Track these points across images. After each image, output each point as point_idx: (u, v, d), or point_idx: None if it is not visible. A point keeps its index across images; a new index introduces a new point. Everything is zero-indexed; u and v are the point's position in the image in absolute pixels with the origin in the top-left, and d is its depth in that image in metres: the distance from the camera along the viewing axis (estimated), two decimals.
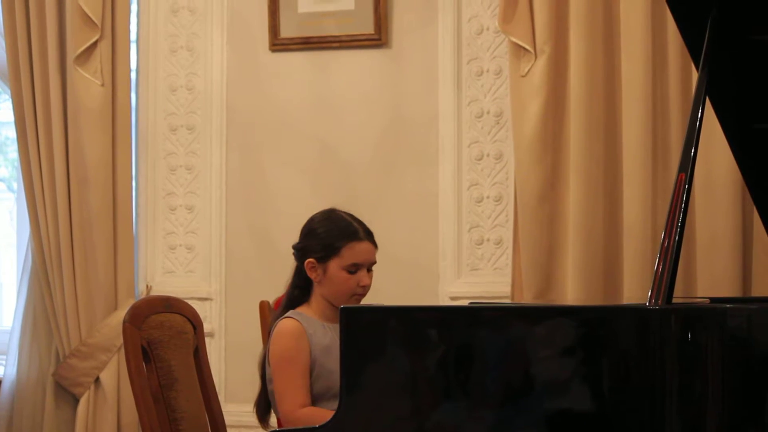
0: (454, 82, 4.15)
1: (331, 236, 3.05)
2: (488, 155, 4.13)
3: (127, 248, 4.29)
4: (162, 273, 4.44)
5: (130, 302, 4.10)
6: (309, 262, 3.06)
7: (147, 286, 4.41)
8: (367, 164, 4.25)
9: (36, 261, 4.34)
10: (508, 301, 3.95)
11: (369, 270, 3.08)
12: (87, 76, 4.22)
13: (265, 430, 3.18)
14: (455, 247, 4.14)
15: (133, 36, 4.41)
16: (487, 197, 4.13)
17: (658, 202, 3.75)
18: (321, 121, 4.30)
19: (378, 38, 4.22)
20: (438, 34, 4.18)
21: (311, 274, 3.07)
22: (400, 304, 2.50)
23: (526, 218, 3.88)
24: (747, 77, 2.68)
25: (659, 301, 2.26)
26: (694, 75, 3.28)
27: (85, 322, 4.26)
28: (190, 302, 3.42)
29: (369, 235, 3.08)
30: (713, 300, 2.86)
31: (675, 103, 3.77)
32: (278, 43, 4.32)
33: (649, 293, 2.29)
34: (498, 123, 4.12)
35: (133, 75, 4.39)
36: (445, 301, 4.11)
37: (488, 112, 4.13)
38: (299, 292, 3.12)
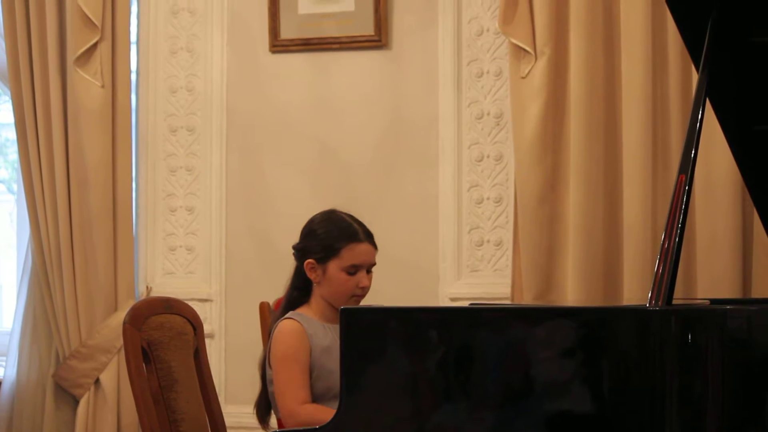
0: (454, 84, 4.15)
1: (330, 237, 3.05)
2: (488, 156, 4.13)
3: (127, 249, 4.29)
4: (162, 274, 4.44)
5: (130, 303, 4.09)
6: (309, 262, 3.06)
7: (147, 287, 4.41)
8: (367, 165, 4.25)
9: (36, 262, 4.34)
10: (508, 302, 3.95)
11: (368, 271, 3.08)
12: (87, 77, 4.22)
13: (266, 431, 3.18)
14: (455, 248, 4.14)
15: (133, 37, 4.41)
16: (487, 198, 4.13)
17: (658, 203, 3.75)
18: (321, 122, 4.30)
19: (378, 40, 4.22)
20: (438, 36, 4.18)
21: (311, 275, 3.07)
22: (400, 305, 2.49)
23: (526, 219, 3.88)
24: (747, 79, 2.68)
25: (659, 303, 2.26)
26: (694, 76, 3.29)
27: (85, 324, 4.26)
28: (190, 303, 3.42)
29: (369, 237, 3.08)
30: (713, 301, 2.87)
31: (675, 104, 3.77)
32: (278, 45, 4.32)
33: (649, 294, 2.29)
34: (498, 124, 4.12)
35: (133, 76, 4.39)
36: (445, 303, 4.11)
37: (488, 114, 4.13)
38: (299, 293, 3.12)
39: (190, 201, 4.42)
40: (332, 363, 2.91)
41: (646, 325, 2.24)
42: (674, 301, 2.30)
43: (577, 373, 2.26)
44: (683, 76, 3.76)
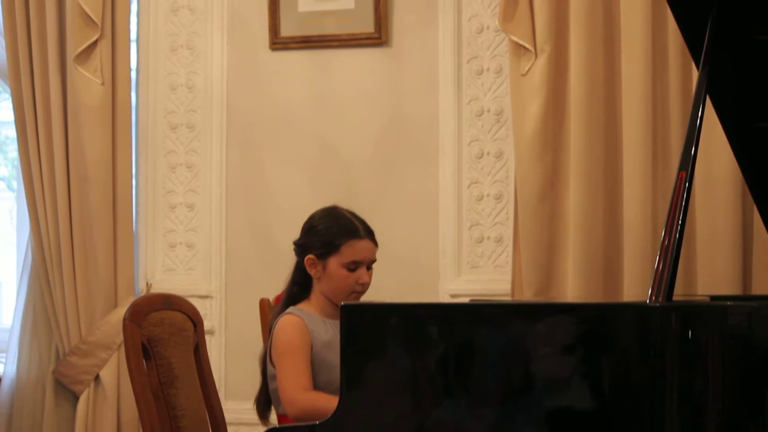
0: (455, 81, 4.15)
1: (331, 233, 3.05)
2: (488, 153, 4.14)
3: (127, 246, 4.29)
4: (162, 271, 4.44)
5: (130, 300, 4.10)
6: (309, 258, 3.07)
7: (147, 283, 4.41)
8: (367, 162, 4.25)
9: (36, 259, 4.34)
10: (508, 298, 3.96)
11: (369, 268, 3.09)
12: (87, 74, 4.22)
13: (266, 426, 3.18)
14: (455, 245, 4.14)
15: (133, 35, 4.41)
16: (488, 195, 4.13)
17: (658, 200, 3.76)
18: (321, 119, 4.30)
19: (378, 37, 4.22)
20: (438, 33, 4.18)
21: (311, 271, 3.08)
22: (401, 301, 2.50)
23: (526, 216, 3.88)
24: (747, 76, 2.68)
25: (659, 299, 2.26)
26: (695, 74, 3.29)
27: (85, 320, 4.26)
28: (190, 300, 3.43)
29: (369, 233, 3.09)
30: (713, 298, 2.87)
31: (675, 102, 3.77)
32: (278, 42, 4.32)
33: (650, 291, 2.29)
34: (498, 121, 4.13)
35: (133, 74, 4.39)
36: (445, 299, 4.11)
37: (488, 111, 4.13)
38: (299, 288, 3.13)
39: (190, 198, 4.42)
40: (333, 357, 2.91)
41: (646, 322, 2.24)
42: (674, 298, 2.31)
43: (578, 370, 2.27)
44: (683, 74, 3.76)
